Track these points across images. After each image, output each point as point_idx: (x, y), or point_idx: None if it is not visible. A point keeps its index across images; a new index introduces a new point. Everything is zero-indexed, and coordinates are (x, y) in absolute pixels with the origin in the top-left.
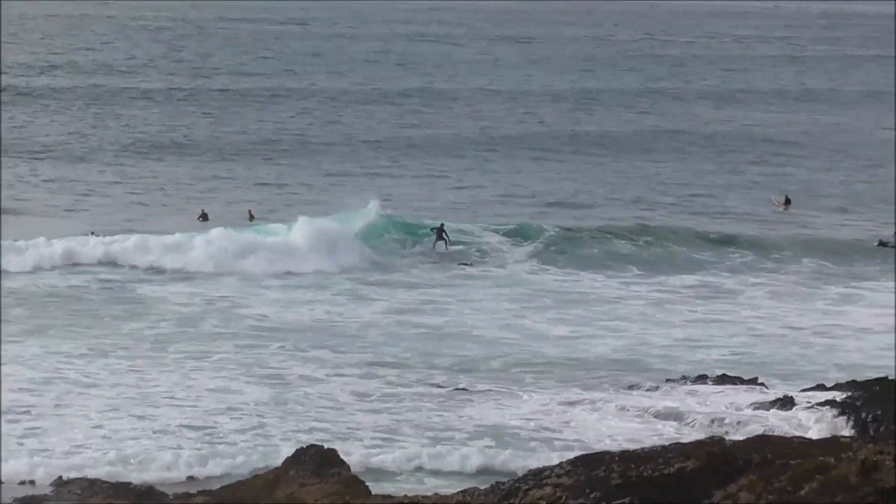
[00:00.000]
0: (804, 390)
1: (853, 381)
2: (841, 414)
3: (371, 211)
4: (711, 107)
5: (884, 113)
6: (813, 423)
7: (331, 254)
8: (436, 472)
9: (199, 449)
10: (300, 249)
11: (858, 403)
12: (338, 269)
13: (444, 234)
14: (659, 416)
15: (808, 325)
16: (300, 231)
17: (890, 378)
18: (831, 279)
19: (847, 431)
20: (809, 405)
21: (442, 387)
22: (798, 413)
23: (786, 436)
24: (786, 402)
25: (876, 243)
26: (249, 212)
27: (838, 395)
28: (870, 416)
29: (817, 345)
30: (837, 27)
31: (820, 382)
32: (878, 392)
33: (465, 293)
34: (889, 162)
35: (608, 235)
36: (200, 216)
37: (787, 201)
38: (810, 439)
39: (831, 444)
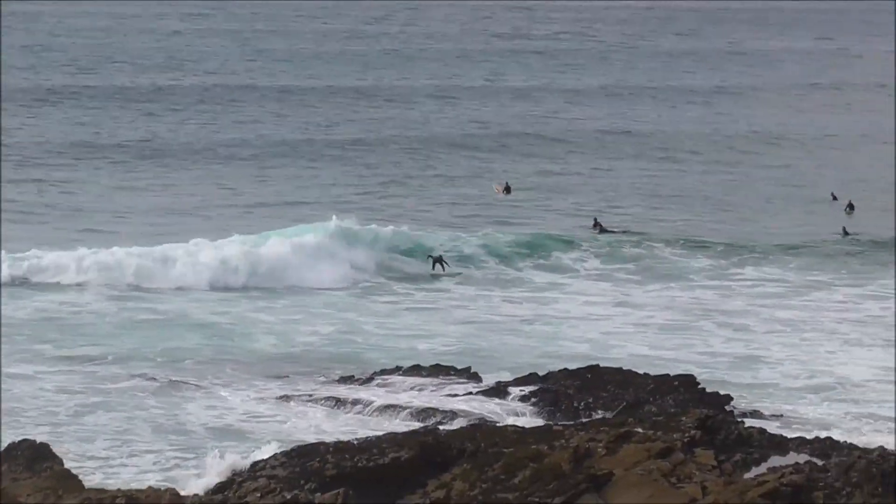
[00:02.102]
0: (517, 379)
1: (565, 370)
2: (554, 402)
3: None
4: (433, 103)
5: (602, 107)
6: (526, 411)
7: None
8: (150, 467)
9: None
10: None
11: (571, 391)
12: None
13: (442, 262)
14: (372, 407)
15: (518, 313)
16: None
17: (602, 366)
18: (540, 266)
19: (560, 419)
20: (523, 394)
21: (157, 380)
22: (511, 402)
23: (499, 424)
24: (499, 391)
25: (593, 226)
26: None
27: (551, 384)
28: (582, 404)
29: (529, 334)
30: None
31: (533, 371)
32: (590, 380)
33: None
34: (604, 152)
35: (318, 228)
36: None
37: (507, 188)
38: (523, 428)
39: (544, 432)
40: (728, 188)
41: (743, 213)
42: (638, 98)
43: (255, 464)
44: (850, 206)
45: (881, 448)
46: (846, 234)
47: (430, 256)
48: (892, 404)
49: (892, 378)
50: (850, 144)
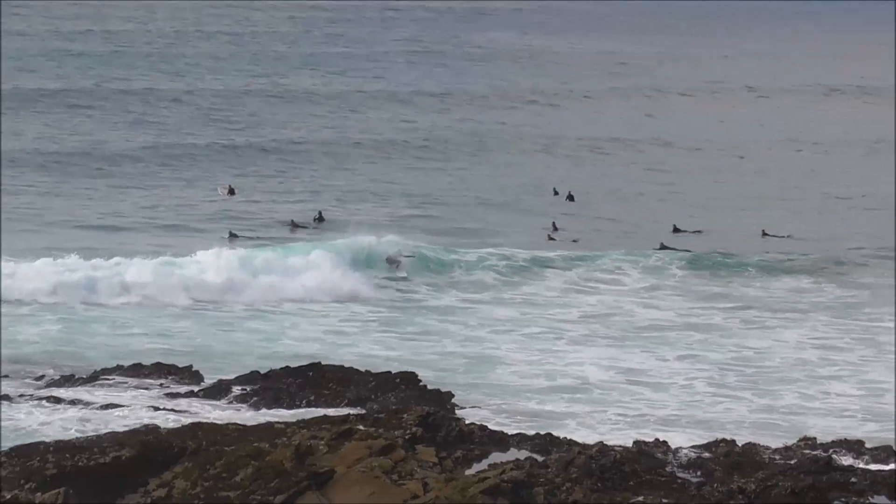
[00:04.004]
0: (239, 377)
1: (287, 367)
2: (276, 400)
3: None
4: (164, 105)
5: (335, 111)
6: (248, 409)
7: None
8: None
9: None
10: None
11: (293, 389)
12: None
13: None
14: (93, 406)
15: (240, 313)
16: None
17: (324, 364)
18: (261, 262)
19: (282, 417)
20: (244, 392)
21: None
22: (233, 400)
23: (220, 423)
24: (221, 390)
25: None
26: None
27: (273, 382)
28: (304, 402)
29: (251, 331)
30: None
31: (255, 369)
32: (312, 377)
33: None
34: (334, 155)
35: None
36: None
37: (232, 191)
38: (244, 426)
39: (265, 429)
40: (445, 186)
41: (452, 210)
42: (369, 101)
43: None
44: (570, 197)
45: (601, 444)
46: (555, 228)
47: (389, 259)
48: (623, 403)
49: (623, 378)
50: (573, 145)
